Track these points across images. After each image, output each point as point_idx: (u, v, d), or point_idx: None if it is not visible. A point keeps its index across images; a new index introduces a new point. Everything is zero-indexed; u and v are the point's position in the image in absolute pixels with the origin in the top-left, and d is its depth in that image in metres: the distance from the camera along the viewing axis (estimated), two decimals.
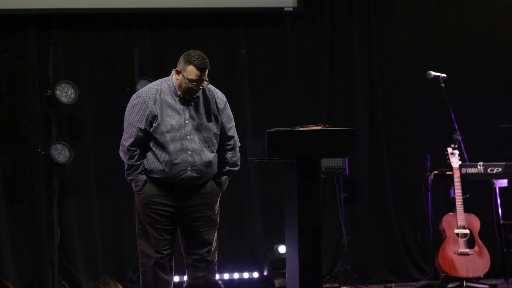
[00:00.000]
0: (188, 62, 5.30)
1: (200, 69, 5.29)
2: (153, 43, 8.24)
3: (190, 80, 5.29)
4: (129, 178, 5.42)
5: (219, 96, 5.50)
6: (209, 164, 5.39)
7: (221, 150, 5.49)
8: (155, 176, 5.37)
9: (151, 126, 5.35)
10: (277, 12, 8.42)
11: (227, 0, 8.33)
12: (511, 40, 8.73)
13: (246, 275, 8.15)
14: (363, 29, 8.59)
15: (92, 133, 8.15)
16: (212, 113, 5.43)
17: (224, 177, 5.50)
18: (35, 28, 8.03)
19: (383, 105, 8.60)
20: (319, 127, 5.10)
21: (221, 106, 5.47)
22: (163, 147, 5.34)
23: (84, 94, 7.99)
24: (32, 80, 8.02)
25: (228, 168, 5.50)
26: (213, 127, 5.43)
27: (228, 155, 5.50)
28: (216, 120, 5.44)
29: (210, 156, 5.40)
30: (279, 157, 5.15)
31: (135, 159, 5.36)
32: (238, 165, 5.57)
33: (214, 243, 5.51)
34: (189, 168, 5.34)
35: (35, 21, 8.03)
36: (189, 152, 5.34)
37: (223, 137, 5.48)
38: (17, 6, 7.94)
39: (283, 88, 8.48)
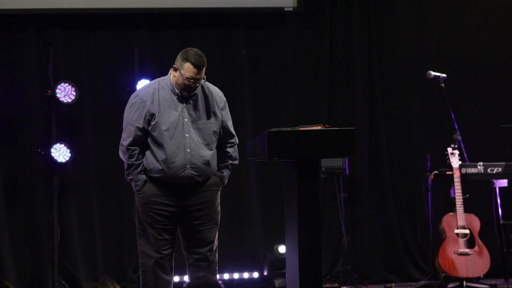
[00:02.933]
0: (185, 59, 5.32)
1: (197, 66, 5.30)
2: (153, 43, 8.24)
3: (187, 78, 5.31)
4: (129, 178, 5.42)
5: (219, 95, 5.52)
6: (207, 162, 5.39)
7: (222, 147, 5.51)
8: (155, 175, 5.37)
9: (149, 124, 5.35)
10: (277, 12, 8.42)
11: (227, 0, 8.33)
12: (511, 40, 8.74)
13: (246, 275, 8.15)
14: (363, 29, 8.59)
15: (92, 133, 8.15)
16: (211, 111, 5.44)
17: (226, 171, 5.52)
18: (35, 28, 8.03)
19: (383, 105, 8.60)
20: (319, 127, 5.10)
21: (221, 105, 5.49)
22: (161, 146, 5.34)
23: (84, 94, 7.99)
24: (32, 80, 8.02)
25: (230, 161, 5.54)
26: (212, 125, 5.43)
27: (230, 150, 5.54)
28: (216, 118, 5.45)
29: (209, 154, 5.40)
30: (279, 157, 5.14)
31: (134, 158, 5.36)
32: (238, 159, 5.60)
33: (215, 242, 5.50)
34: (188, 166, 5.34)
35: (35, 21, 8.03)
36: (188, 150, 5.34)
37: (226, 135, 5.51)
38: (17, 6, 7.94)
39: (283, 88, 8.48)
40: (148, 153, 5.38)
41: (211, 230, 5.46)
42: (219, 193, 5.54)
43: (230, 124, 5.53)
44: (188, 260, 5.50)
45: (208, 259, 5.46)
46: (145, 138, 5.38)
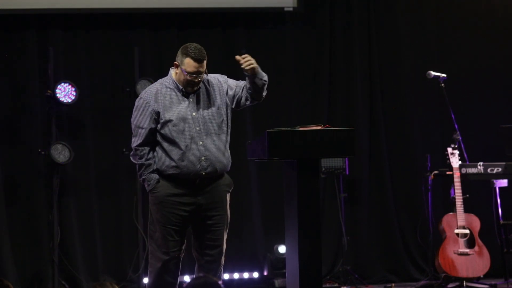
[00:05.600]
0: (185, 54, 5.34)
1: (198, 60, 5.32)
2: (153, 43, 8.24)
3: (189, 73, 5.33)
4: (142, 178, 5.42)
5: (219, 79, 5.52)
6: (221, 152, 5.39)
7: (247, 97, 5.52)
8: (170, 172, 5.35)
9: (157, 123, 5.36)
10: (277, 12, 8.42)
11: (227, 0, 8.33)
12: (511, 40, 8.74)
13: (246, 275, 8.15)
14: (363, 29, 8.59)
15: (92, 133, 8.15)
16: (217, 100, 5.44)
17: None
18: (35, 28, 8.03)
19: (383, 105, 8.60)
20: (319, 127, 5.10)
21: (225, 87, 5.49)
22: (173, 142, 5.34)
23: (84, 94, 7.99)
24: (32, 80, 8.03)
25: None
26: (220, 115, 5.43)
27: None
28: (222, 106, 5.45)
29: (222, 143, 5.41)
30: (279, 157, 5.14)
31: (144, 158, 5.37)
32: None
33: (224, 244, 5.50)
34: (203, 158, 5.33)
35: (35, 21, 8.03)
36: (201, 143, 5.34)
37: (242, 89, 5.50)
38: (17, 6, 7.94)
39: (283, 88, 8.47)
40: (159, 152, 5.38)
41: (223, 231, 5.46)
42: (229, 194, 5.53)
43: (239, 83, 5.51)
44: (199, 261, 5.49)
45: (219, 261, 5.46)
46: (154, 138, 5.39)
